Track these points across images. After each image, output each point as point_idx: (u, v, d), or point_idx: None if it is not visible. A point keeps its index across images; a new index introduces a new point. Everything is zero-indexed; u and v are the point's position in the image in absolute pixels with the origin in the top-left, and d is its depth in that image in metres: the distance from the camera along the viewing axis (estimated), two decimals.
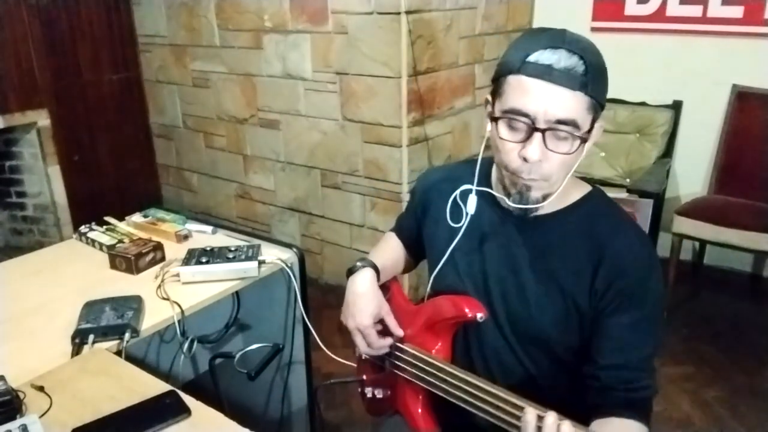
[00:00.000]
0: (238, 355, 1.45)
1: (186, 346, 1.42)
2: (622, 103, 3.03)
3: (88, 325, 1.22)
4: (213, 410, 1.02)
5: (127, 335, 1.22)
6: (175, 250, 1.61)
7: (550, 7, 3.18)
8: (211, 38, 3.20)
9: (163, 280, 1.45)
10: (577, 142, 0.88)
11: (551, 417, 0.78)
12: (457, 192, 1.02)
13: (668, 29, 2.92)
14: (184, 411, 1.00)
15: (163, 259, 1.59)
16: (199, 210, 3.70)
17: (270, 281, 1.61)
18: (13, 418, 0.96)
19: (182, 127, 3.62)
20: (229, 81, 3.22)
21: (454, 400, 0.98)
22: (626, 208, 1.28)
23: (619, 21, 3.03)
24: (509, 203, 0.95)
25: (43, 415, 0.99)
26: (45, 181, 3.28)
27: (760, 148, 2.77)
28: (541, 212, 0.96)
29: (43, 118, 3.20)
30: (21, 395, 1.02)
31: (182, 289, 1.44)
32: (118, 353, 1.19)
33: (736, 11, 2.75)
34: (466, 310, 1.01)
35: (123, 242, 1.63)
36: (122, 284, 1.46)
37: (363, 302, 1.09)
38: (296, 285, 1.58)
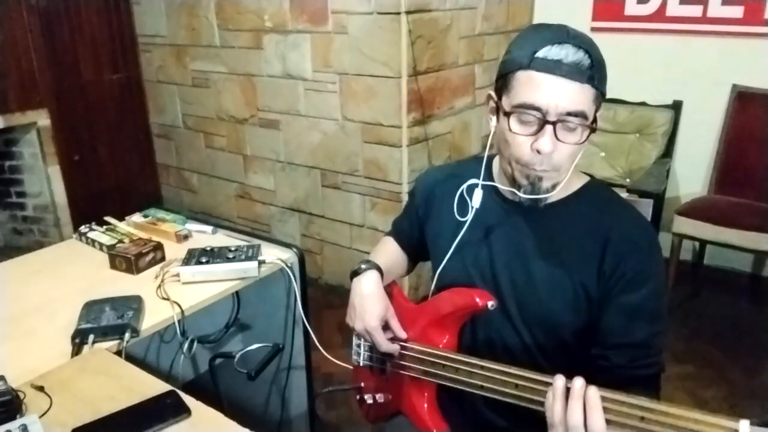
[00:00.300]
0: (238, 355, 1.45)
1: (186, 346, 1.42)
2: (622, 103, 3.03)
3: (88, 325, 1.23)
4: (213, 410, 1.02)
5: (127, 335, 1.22)
6: (175, 250, 1.61)
7: (550, 7, 3.19)
8: (211, 38, 3.20)
9: (163, 280, 1.45)
10: (586, 131, 0.91)
11: (579, 381, 0.80)
12: (464, 186, 1.04)
13: (668, 29, 2.92)
14: (184, 411, 1.00)
15: (163, 259, 1.59)
16: (199, 210, 3.70)
17: (270, 281, 1.61)
18: (13, 418, 0.96)
19: (182, 127, 3.62)
20: (229, 81, 3.22)
21: (469, 389, 0.98)
22: None
23: (619, 21, 3.03)
24: (520, 195, 0.97)
25: (43, 415, 0.99)
26: (45, 181, 3.28)
27: (760, 148, 2.77)
28: (547, 201, 0.99)
29: (43, 118, 3.20)
30: (21, 395, 1.02)
31: (182, 289, 1.44)
32: (118, 353, 1.19)
33: (736, 11, 2.75)
34: (477, 300, 1.01)
35: (123, 242, 1.63)
36: (122, 284, 1.46)
37: (370, 304, 1.10)
38: (296, 285, 1.58)
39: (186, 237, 1.73)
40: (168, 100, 3.62)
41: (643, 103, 3.01)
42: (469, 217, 1.04)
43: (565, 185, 0.98)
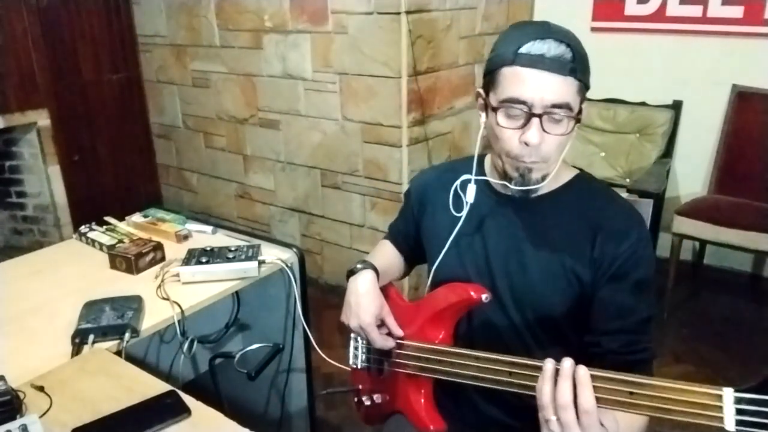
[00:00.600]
0: (238, 355, 1.45)
1: (186, 346, 1.43)
2: (622, 103, 3.03)
3: (88, 325, 1.23)
4: (213, 410, 1.02)
5: (127, 335, 1.22)
6: (175, 250, 1.61)
7: (550, 7, 3.19)
8: (211, 38, 3.20)
9: (163, 280, 1.46)
10: (572, 122, 0.94)
11: (568, 361, 0.81)
12: (458, 182, 1.08)
13: (668, 29, 2.92)
14: (184, 411, 1.00)
15: (163, 259, 1.59)
16: (199, 210, 3.70)
17: (270, 281, 1.61)
18: (13, 418, 0.97)
19: (182, 127, 3.62)
20: (229, 81, 3.22)
21: (464, 381, 0.99)
22: None
23: (619, 21, 3.03)
24: (511, 187, 1.00)
25: (43, 415, 0.99)
26: (45, 181, 3.28)
27: (760, 148, 2.77)
28: (537, 193, 1.02)
29: (43, 118, 3.20)
30: (21, 395, 1.02)
31: (182, 289, 1.44)
32: (118, 353, 1.20)
33: (736, 11, 2.75)
34: (472, 293, 1.03)
35: (123, 242, 1.63)
36: (122, 284, 1.47)
37: (365, 302, 1.11)
38: (296, 285, 1.58)
39: (186, 237, 1.73)
40: (168, 100, 3.62)
41: (643, 103, 3.01)
42: (464, 212, 1.07)
43: (555, 177, 1.01)
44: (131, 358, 1.19)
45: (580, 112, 0.95)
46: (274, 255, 1.57)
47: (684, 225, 2.61)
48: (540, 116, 0.91)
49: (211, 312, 1.50)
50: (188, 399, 1.03)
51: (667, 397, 0.74)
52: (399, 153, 2.65)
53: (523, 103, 0.92)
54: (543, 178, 0.98)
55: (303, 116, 2.95)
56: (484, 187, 1.08)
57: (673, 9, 2.88)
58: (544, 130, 0.92)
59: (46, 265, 1.61)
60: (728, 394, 0.69)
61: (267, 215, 3.34)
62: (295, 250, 1.62)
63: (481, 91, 1.01)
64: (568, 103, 0.92)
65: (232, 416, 1.00)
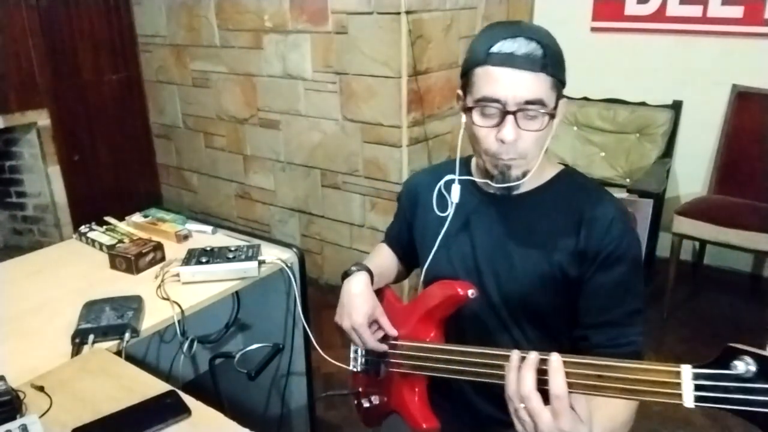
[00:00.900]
0: (238, 355, 1.45)
1: (186, 346, 1.43)
2: (622, 103, 3.03)
3: (88, 325, 1.23)
4: (213, 410, 1.02)
5: (127, 335, 1.22)
6: (175, 250, 1.61)
7: (550, 7, 3.18)
8: (211, 38, 3.20)
9: (163, 280, 1.46)
10: (546, 118, 0.95)
11: (533, 353, 0.82)
12: (442, 182, 1.09)
13: (668, 29, 2.92)
14: (184, 411, 1.00)
15: (163, 259, 1.59)
16: (199, 210, 3.70)
17: (270, 281, 1.61)
18: (13, 418, 0.97)
19: (182, 127, 3.62)
20: (229, 81, 3.22)
21: (454, 376, 1.00)
22: (626, 208, 1.28)
23: (619, 21, 3.03)
24: (492, 185, 1.02)
25: (43, 415, 0.99)
26: (45, 181, 3.28)
27: (760, 148, 2.77)
28: (521, 190, 1.03)
29: (43, 118, 3.20)
30: (21, 395, 1.02)
31: (182, 289, 1.44)
32: (118, 353, 1.20)
33: (736, 11, 2.75)
34: (458, 290, 1.04)
35: (123, 242, 1.63)
36: (122, 284, 1.47)
37: (357, 302, 1.13)
38: (296, 285, 1.58)
39: (186, 237, 1.73)
40: (168, 100, 3.62)
41: (643, 103, 3.01)
42: (450, 211, 1.08)
43: (538, 174, 1.03)
44: (131, 358, 1.19)
45: (556, 107, 0.97)
46: (274, 255, 1.57)
47: (684, 225, 2.61)
48: (514, 113, 0.93)
49: (211, 312, 1.50)
50: (188, 399, 1.03)
51: (632, 377, 0.75)
52: (399, 153, 2.65)
53: (497, 101, 0.94)
54: (524, 175, 0.99)
55: (303, 116, 2.95)
56: (469, 186, 1.10)
57: (673, 9, 2.88)
58: (519, 127, 0.94)
59: (46, 265, 1.61)
60: (686, 370, 0.70)
61: (267, 215, 3.34)
62: (295, 250, 1.63)
63: (460, 92, 1.03)
64: (541, 99, 0.93)
65: (232, 416, 1.00)
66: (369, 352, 1.20)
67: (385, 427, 1.23)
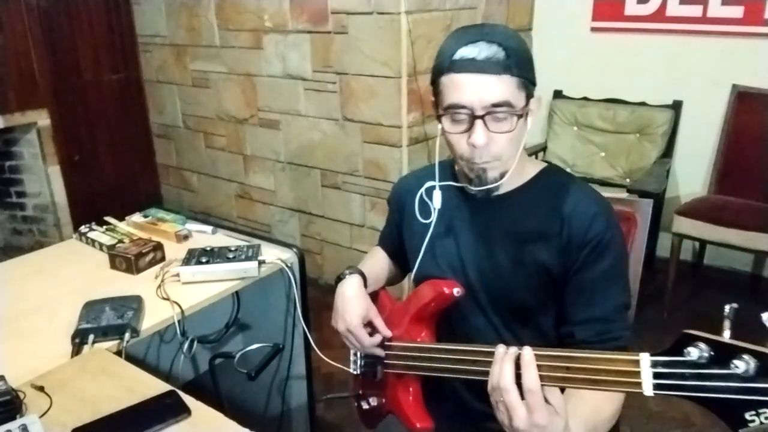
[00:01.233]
0: (238, 355, 1.45)
1: (186, 346, 1.43)
2: (622, 103, 3.03)
3: (88, 325, 1.23)
4: (213, 410, 1.02)
5: (127, 335, 1.22)
6: (175, 250, 1.61)
7: (550, 7, 3.18)
8: (211, 38, 3.20)
9: (163, 280, 1.46)
10: (515, 118, 0.96)
11: (513, 348, 0.83)
12: (423, 189, 1.12)
13: (668, 29, 2.92)
14: (184, 411, 1.00)
15: (163, 259, 1.59)
16: (199, 210, 3.70)
17: (270, 281, 1.61)
18: (13, 418, 0.97)
19: (182, 127, 3.62)
20: (229, 81, 3.22)
21: (442, 374, 1.02)
22: (626, 208, 1.28)
23: (619, 21, 3.03)
24: (471, 188, 1.03)
25: (43, 415, 0.99)
26: (45, 181, 3.28)
27: (760, 148, 2.77)
28: (502, 191, 1.04)
29: (43, 118, 3.20)
30: (21, 395, 1.02)
31: (182, 289, 1.44)
32: (118, 353, 1.20)
33: (736, 11, 2.75)
34: (444, 289, 1.06)
35: (123, 242, 1.63)
36: (122, 284, 1.47)
37: (351, 305, 1.14)
38: (296, 285, 1.58)
39: (186, 237, 1.73)
40: (168, 100, 3.62)
41: (643, 103, 3.01)
42: (433, 218, 1.10)
43: (518, 174, 1.04)
44: (131, 358, 1.19)
45: (526, 106, 0.98)
46: (274, 255, 1.57)
47: (684, 225, 2.61)
48: (482, 117, 0.94)
49: (211, 312, 1.50)
50: (188, 399, 1.03)
51: (597, 368, 0.75)
52: (399, 153, 2.65)
53: (464, 107, 0.95)
54: (501, 176, 1.00)
55: (303, 116, 2.95)
56: (452, 189, 1.11)
57: (673, 9, 2.88)
58: (489, 130, 0.95)
59: (46, 265, 1.61)
60: (645, 358, 0.70)
61: (267, 215, 3.34)
62: (295, 250, 1.63)
63: (433, 100, 1.04)
64: (507, 100, 0.94)
65: (232, 416, 1.00)
66: (366, 355, 1.22)
67: (382, 428, 1.24)
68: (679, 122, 2.97)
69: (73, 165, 3.40)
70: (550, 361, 0.79)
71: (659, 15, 2.92)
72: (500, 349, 0.84)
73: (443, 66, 0.96)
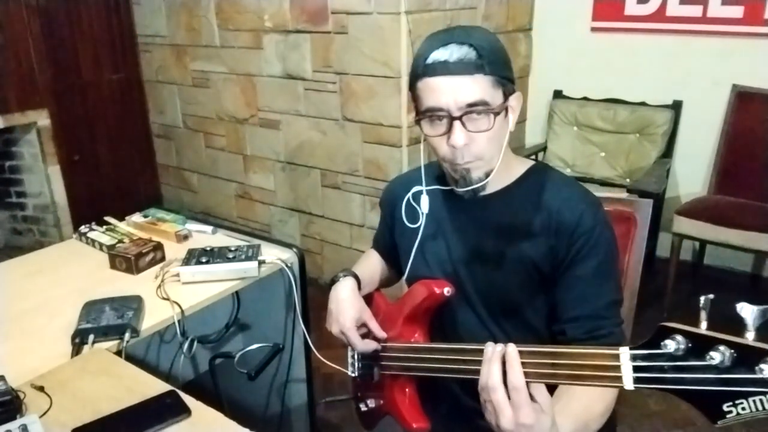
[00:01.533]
0: (238, 355, 1.45)
1: (186, 346, 1.43)
2: (622, 103, 3.03)
3: (88, 325, 1.23)
4: (213, 410, 1.02)
5: (127, 335, 1.22)
6: (175, 250, 1.61)
7: (550, 7, 3.18)
8: (211, 38, 3.20)
9: (163, 280, 1.46)
10: (492, 117, 0.96)
11: (499, 346, 0.83)
12: (410, 194, 1.14)
13: (668, 29, 2.92)
14: (184, 411, 1.00)
15: (163, 259, 1.59)
16: (199, 210, 3.70)
17: (270, 281, 1.61)
18: (13, 418, 0.97)
19: (182, 127, 3.62)
20: (229, 81, 3.22)
21: (435, 374, 1.02)
22: (626, 208, 1.29)
23: (619, 21, 3.02)
24: (457, 190, 1.03)
25: (43, 415, 0.99)
26: (45, 181, 3.28)
27: (760, 148, 2.77)
28: (490, 191, 1.05)
29: (43, 118, 3.20)
30: (21, 395, 1.02)
31: (182, 289, 1.44)
32: (118, 353, 1.20)
33: (736, 11, 2.74)
34: (435, 289, 1.07)
35: (123, 242, 1.63)
36: (122, 284, 1.47)
37: (344, 307, 1.15)
38: (296, 285, 1.58)
39: (186, 237, 1.73)
40: (168, 100, 3.62)
41: (643, 103, 3.01)
42: (421, 221, 1.11)
43: (507, 173, 1.05)
44: (131, 358, 1.19)
45: (505, 103, 0.98)
46: (274, 255, 1.57)
47: (684, 225, 2.61)
48: (459, 118, 0.95)
49: (211, 312, 1.50)
50: (188, 399, 1.03)
51: (579, 363, 0.75)
52: (399, 153, 2.65)
53: (441, 109, 0.96)
54: (486, 175, 1.00)
55: (303, 116, 2.95)
56: (441, 192, 1.12)
57: (673, 9, 2.88)
58: (468, 131, 0.95)
59: (46, 265, 1.61)
60: (624, 352, 0.70)
61: (267, 215, 3.34)
62: (295, 250, 1.63)
63: (414, 104, 1.05)
64: (483, 99, 0.94)
65: (232, 416, 1.00)
66: (363, 357, 1.22)
67: (382, 428, 1.24)
68: (679, 122, 2.97)
69: (73, 165, 3.40)
70: (535, 358, 0.79)
71: (659, 15, 2.92)
72: (488, 348, 0.84)
73: (418, 71, 0.98)
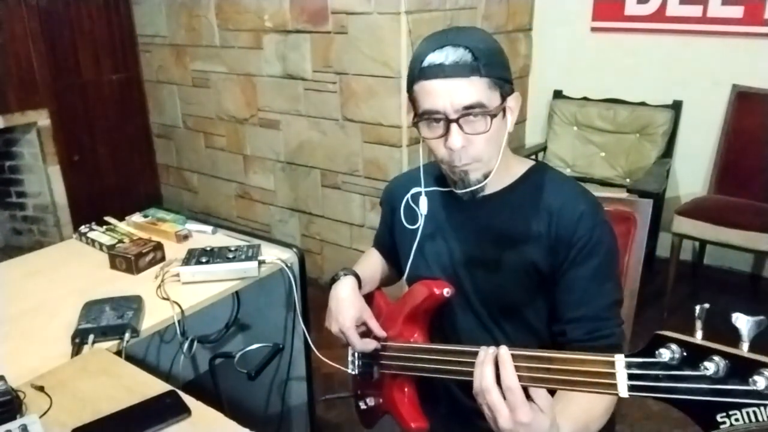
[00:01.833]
0: (238, 355, 1.45)
1: (186, 346, 1.43)
2: (622, 103, 3.03)
3: (88, 325, 1.23)
4: (213, 410, 1.02)
5: (127, 335, 1.22)
6: (175, 250, 1.62)
7: (550, 7, 3.18)
8: (211, 38, 3.20)
9: (163, 280, 1.46)
10: (489, 118, 0.96)
11: (491, 348, 0.83)
12: (408, 195, 1.14)
13: (668, 29, 2.92)
14: (184, 411, 1.00)
15: (163, 259, 1.59)
16: (199, 210, 3.70)
17: (270, 281, 1.61)
18: (13, 418, 0.97)
19: (182, 127, 3.62)
20: (229, 81, 3.22)
21: (434, 375, 1.02)
22: (626, 208, 1.29)
23: (619, 21, 3.02)
24: (456, 191, 1.04)
25: (43, 415, 0.99)
26: (45, 181, 3.29)
27: (760, 148, 2.77)
28: (489, 192, 1.05)
29: (43, 118, 3.20)
30: (21, 395, 1.02)
31: (182, 289, 1.44)
32: (118, 353, 1.20)
33: (736, 11, 2.74)
34: (435, 290, 1.07)
35: (123, 242, 1.63)
36: (122, 284, 1.47)
37: (344, 306, 1.15)
38: (296, 285, 1.58)
39: (186, 237, 1.73)
40: (168, 100, 3.62)
41: (643, 103, 3.01)
42: (420, 223, 1.11)
43: (505, 173, 1.05)
44: (131, 358, 1.19)
45: (502, 104, 0.97)
46: (274, 255, 1.57)
47: (684, 225, 2.61)
48: (456, 121, 0.94)
49: (211, 312, 1.50)
50: (188, 399, 1.03)
51: (573, 369, 0.75)
52: (399, 153, 2.65)
53: (437, 112, 0.95)
54: (485, 177, 1.00)
55: (303, 116, 2.95)
56: (440, 193, 1.12)
57: (673, 9, 2.88)
58: (466, 133, 0.95)
59: (46, 265, 1.61)
60: (619, 359, 0.70)
61: (267, 215, 3.34)
62: (295, 250, 1.63)
63: (411, 106, 1.05)
64: (479, 102, 0.94)
65: (232, 416, 1.00)
66: (363, 356, 1.22)
67: (381, 428, 1.25)
68: (679, 122, 2.97)
69: (73, 165, 3.40)
70: (529, 362, 0.79)
71: (659, 15, 2.92)
72: (481, 352, 0.84)
73: (414, 74, 0.97)
